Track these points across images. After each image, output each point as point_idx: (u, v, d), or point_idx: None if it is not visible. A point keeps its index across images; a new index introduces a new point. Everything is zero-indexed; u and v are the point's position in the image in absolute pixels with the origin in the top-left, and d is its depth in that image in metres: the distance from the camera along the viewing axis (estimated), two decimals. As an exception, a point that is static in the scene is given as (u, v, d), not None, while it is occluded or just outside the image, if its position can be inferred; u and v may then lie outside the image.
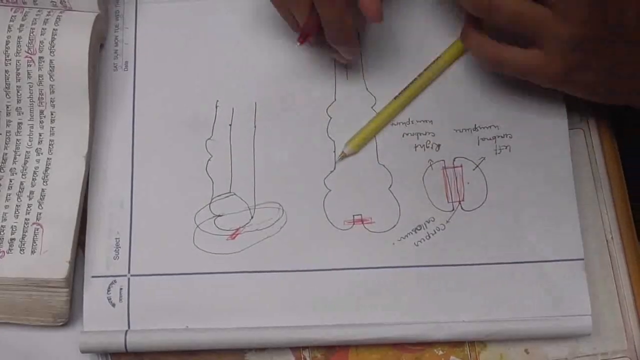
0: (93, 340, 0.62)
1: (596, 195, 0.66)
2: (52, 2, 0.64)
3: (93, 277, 0.63)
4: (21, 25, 0.62)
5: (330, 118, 0.67)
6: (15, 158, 0.64)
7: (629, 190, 0.67)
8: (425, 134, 0.66)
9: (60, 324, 0.63)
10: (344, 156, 0.65)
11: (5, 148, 0.64)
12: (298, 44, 0.63)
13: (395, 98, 0.66)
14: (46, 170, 0.63)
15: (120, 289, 0.63)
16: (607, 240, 0.66)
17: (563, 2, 0.57)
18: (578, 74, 0.60)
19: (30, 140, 0.64)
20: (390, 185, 0.65)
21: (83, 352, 0.62)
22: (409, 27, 0.69)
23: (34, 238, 0.62)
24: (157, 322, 0.62)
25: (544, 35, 0.58)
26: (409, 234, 0.64)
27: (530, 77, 0.62)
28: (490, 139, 0.66)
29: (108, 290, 0.63)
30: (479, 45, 0.62)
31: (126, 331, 0.62)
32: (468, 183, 0.65)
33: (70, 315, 0.63)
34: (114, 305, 0.63)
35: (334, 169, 0.66)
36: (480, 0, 0.58)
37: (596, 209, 0.66)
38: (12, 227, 0.62)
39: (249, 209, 0.65)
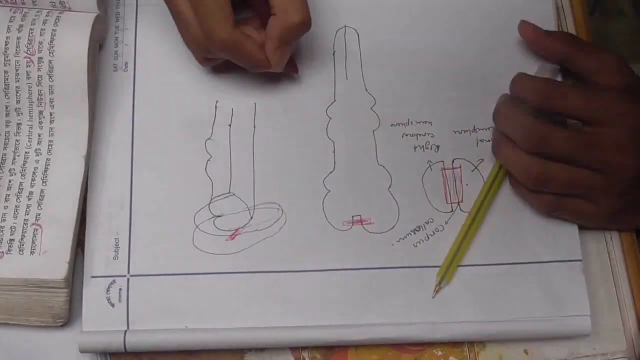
0: (92, 340, 0.61)
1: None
2: (51, 2, 0.64)
3: (92, 277, 0.63)
4: (20, 26, 0.62)
5: (330, 118, 0.67)
6: (14, 158, 0.64)
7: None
8: (425, 135, 0.66)
9: (60, 324, 0.63)
10: (439, 289, 0.64)
11: (5, 148, 0.64)
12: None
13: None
14: (45, 171, 0.63)
15: (120, 289, 0.63)
16: (606, 242, 0.66)
17: (610, 169, 0.60)
18: (624, 215, 0.64)
19: (29, 141, 0.64)
20: (390, 186, 0.65)
21: (82, 352, 0.62)
22: (409, 27, 0.69)
23: (33, 239, 0.62)
24: (156, 323, 0.62)
25: (594, 194, 0.62)
26: (408, 234, 0.64)
27: (582, 223, 0.65)
28: (488, 141, 0.66)
29: (107, 291, 0.63)
30: (539, 199, 0.63)
31: (125, 331, 0.62)
32: (467, 184, 0.66)
33: (69, 315, 0.63)
34: (113, 305, 0.63)
35: (334, 169, 0.66)
36: (534, 177, 0.61)
37: (595, 210, 0.66)
38: (11, 227, 0.62)
39: (249, 210, 0.65)
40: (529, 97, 0.62)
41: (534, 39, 0.66)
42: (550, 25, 0.68)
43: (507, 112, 0.63)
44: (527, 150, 0.61)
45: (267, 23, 0.62)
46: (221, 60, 0.65)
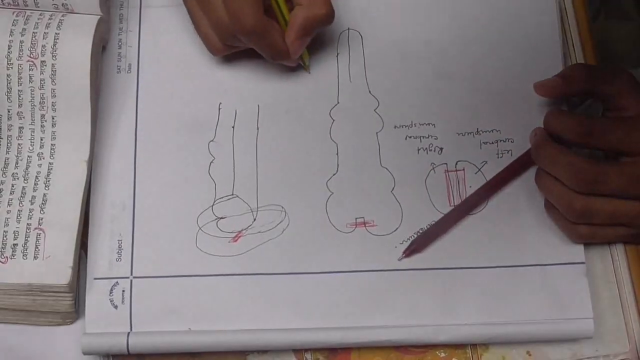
0: (95, 342, 0.62)
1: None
2: (54, 4, 0.63)
3: (95, 279, 0.63)
4: (23, 30, 0.62)
5: (333, 120, 0.67)
6: (17, 163, 0.63)
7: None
8: (428, 137, 0.66)
9: (69, 323, 0.63)
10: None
11: (7, 152, 0.64)
12: None
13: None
14: (48, 175, 0.63)
15: (123, 290, 0.63)
16: (609, 244, 0.66)
17: None
18: None
19: (31, 145, 0.64)
20: (393, 188, 0.65)
21: (85, 354, 0.62)
22: (412, 29, 0.69)
23: (36, 243, 0.61)
24: (160, 324, 0.62)
25: (636, 221, 0.61)
26: (411, 237, 0.64)
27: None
28: (492, 143, 0.66)
29: (110, 292, 0.63)
30: (576, 230, 0.63)
31: (128, 333, 0.62)
32: (470, 186, 0.65)
33: (77, 315, 0.63)
34: (116, 307, 0.63)
35: (337, 171, 0.66)
36: (578, 212, 0.61)
37: (599, 212, 0.66)
38: (14, 232, 0.62)
39: (252, 212, 0.65)
40: (568, 134, 0.61)
41: (555, 94, 0.65)
42: (554, 30, 0.68)
43: (550, 153, 0.62)
44: (578, 191, 0.60)
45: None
46: (235, 50, 0.65)
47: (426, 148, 0.66)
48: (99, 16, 0.64)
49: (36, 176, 0.63)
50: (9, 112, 0.63)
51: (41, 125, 0.63)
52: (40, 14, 0.63)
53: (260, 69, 0.68)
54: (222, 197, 0.65)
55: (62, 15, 0.63)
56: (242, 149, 0.66)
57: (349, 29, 0.69)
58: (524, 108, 0.67)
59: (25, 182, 0.63)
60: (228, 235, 0.64)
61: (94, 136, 0.64)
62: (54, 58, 0.62)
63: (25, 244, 0.62)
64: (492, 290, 0.63)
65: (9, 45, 0.62)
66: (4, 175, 0.63)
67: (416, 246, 0.64)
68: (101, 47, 0.66)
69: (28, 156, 0.64)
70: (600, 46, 0.70)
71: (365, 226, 0.65)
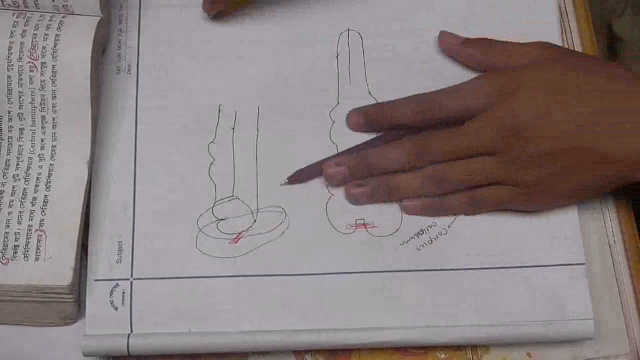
0: (96, 344, 0.61)
1: (599, 200, 0.67)
2: (54, 6, 0.63)
3: (96, 280, 0.63)
4: (24, 31, 0.62)
5: (334, 122, 0.67)
6: (18, 164, 0.63)
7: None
8: (428, 138, 0.66)
9: (70, 324, 0.63)
10: None
11: (8, 154, 0.64)
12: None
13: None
14: (49, 177, 0.63)
15: (123, 292, 0.63)
16: (609, 245, 0.66)
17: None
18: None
19: (32, 147, 0.64)
20: (393, 189, 0.65)
21: (86, 355, 0.62)
22: (412, 30, 0.69)
23: (37, 245, 0.61)
24: (160, 326, 0.62)
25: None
26: (411, 238, 0.64)
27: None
28: (493, 144, 0.66)
29: (111, 294, 0.63)
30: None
31: (129, 335, 0.62)
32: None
33: (78, 315, 0.63)
34: (116, 309, 0.63)
35: (337, 172, 0.66)
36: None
37: (598, 213, 0.66)
38: (15, 234, 0.62)
39: (252, 213, 0.65)
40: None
41: (451, 47, 0.67)
42: (554, 30, 0.68)
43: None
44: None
45: None
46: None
47: (426, 149, 0.66)
48: (100, 17, 0.64)
49: (37, 178, 0.63)
50: (9, 113, 0.63)
51: (42, 127, 0.63)
52: (41, 16, 0.63)
53: (261, 70, 0.68)
54: (222, 199, 0.65)
55: (63, 17, 0.63)
56: (242, 151, 0.66)
57: (349, 29, 0.69)
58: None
59: (26, 183, 0.63)
60: (228, 237, 0.64)
61: (94, 137, 0.64)
62: (54, 60, 0.62)
63: (26, 245, 0.62)
64: (492, 292, 0.63)
65: (9, 47, 0.62)
66: (4, 177, 0.63)
67: (298, 176, 0.65)
68: (102, 48, 0.67)
69: (29, 158, 0.64)
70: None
71: (365, 228, 0.65)
